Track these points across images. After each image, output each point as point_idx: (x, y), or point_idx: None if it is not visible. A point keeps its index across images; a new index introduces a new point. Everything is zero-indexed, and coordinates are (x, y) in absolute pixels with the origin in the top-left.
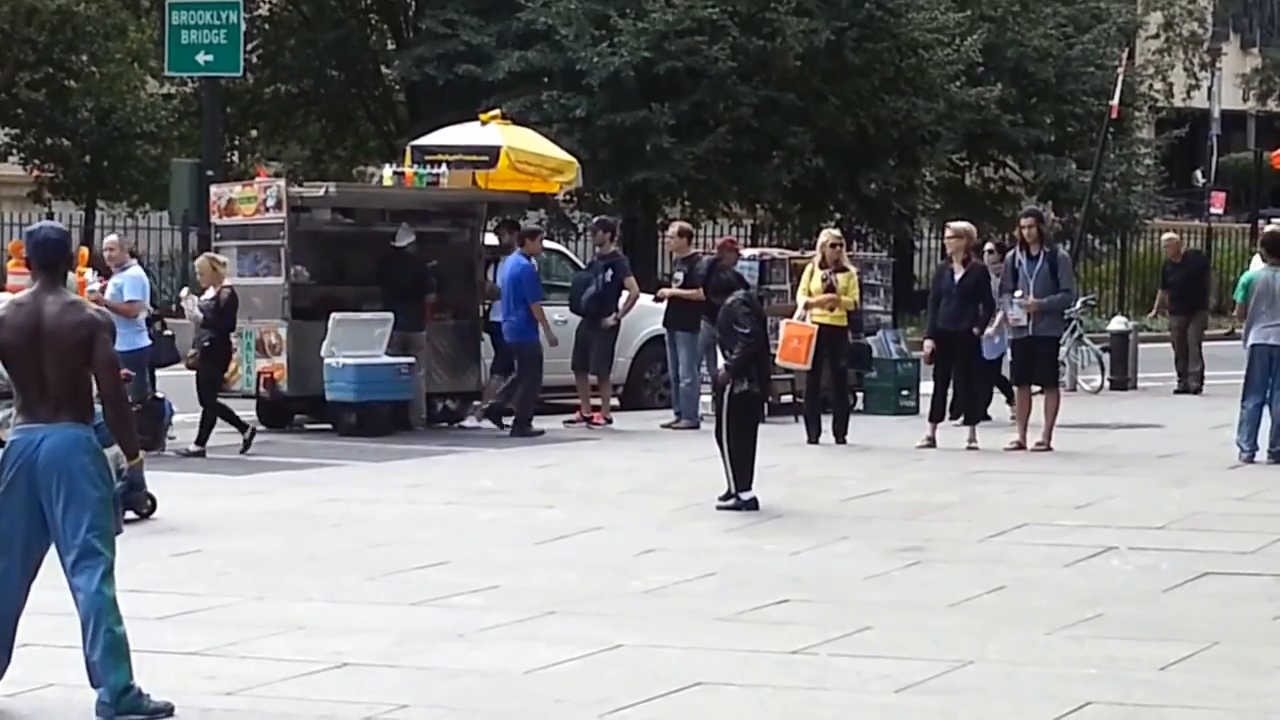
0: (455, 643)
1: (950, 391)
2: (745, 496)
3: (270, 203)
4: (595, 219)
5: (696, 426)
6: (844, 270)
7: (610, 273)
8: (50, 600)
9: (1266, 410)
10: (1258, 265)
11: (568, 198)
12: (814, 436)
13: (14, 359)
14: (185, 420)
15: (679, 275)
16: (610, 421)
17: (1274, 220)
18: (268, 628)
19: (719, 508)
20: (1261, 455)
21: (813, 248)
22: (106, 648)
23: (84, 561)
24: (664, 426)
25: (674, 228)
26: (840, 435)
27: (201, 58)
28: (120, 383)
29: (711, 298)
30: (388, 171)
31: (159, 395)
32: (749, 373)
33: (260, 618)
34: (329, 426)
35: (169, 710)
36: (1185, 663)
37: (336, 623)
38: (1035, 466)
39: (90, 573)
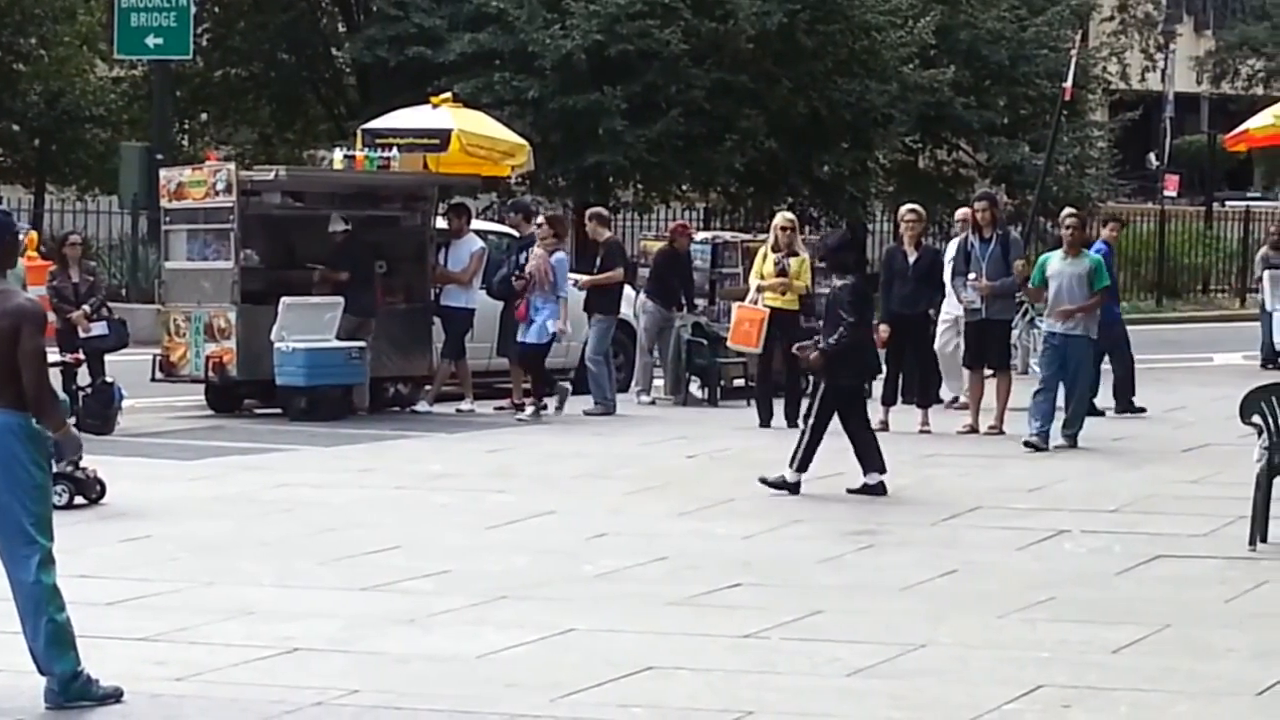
0: (406, 627)
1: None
2: (793, 478)
3: (220, 186)
4: (510, 201)
5: (611, 411)
6: (796, 254)
7: (524, 255)
8: None
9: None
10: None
11: (519, 181)
12: (766, 420)
13: None
14: (137, 405)
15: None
16: (544, 408)
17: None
18: (218, 613)
19: (763, 480)
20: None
21: (765, 231)
22: (49, 637)
23: (21, 550)
24: (586, 413)
25: (590, 212)
26: (792, 419)
27: (151, 41)
28: (42, 376)
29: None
30: (338, 155)
31: (109, 380)
32: (848, 362)
33: (210, 603)
34: (279, 411)
35: (118, 696)
36: (1137, 645)
37: (287, 608)
38: (988, 450)
39: (26, 561)
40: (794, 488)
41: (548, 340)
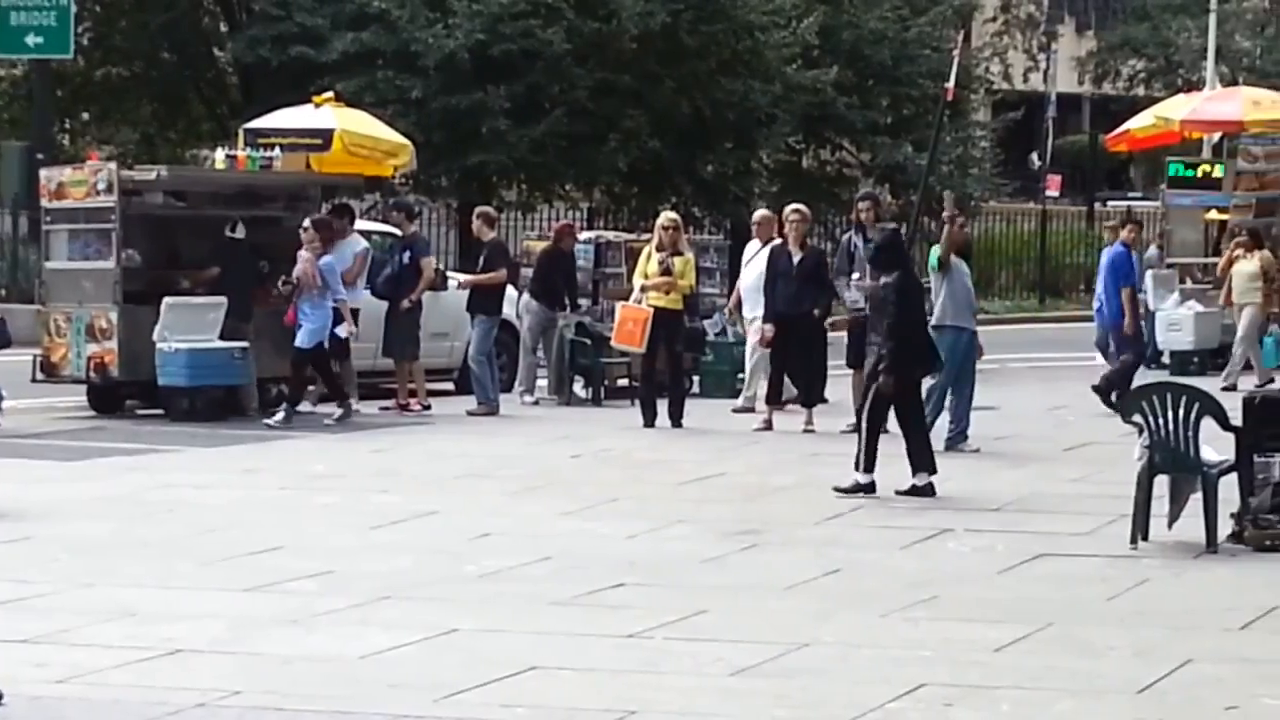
0: (289, 628)
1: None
2: (865, 480)
3: (101, 186)
4: (392, 201)
5: (495, 411)
6: (680, 254)
7: (408, 254)
8: None
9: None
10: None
11: (402, 181)
12: (650, 420)
13: None
14: (17, 406)
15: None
16: (428, 408)
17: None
18: (99, 615)
19: (838, 490)
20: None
21: (649, 230)
22: None
23: None
24: (470, 413)
25: (477, 211)
26: (676, 419)
27: (31, 39)
28: None
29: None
30: (220, 155)
31: None
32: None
33: (92, 605)
34: (161, 412)
35: None
36: (1019, 644)
37: (169, 609)
38: None
39: None
40: (869, 488)
41: (316, 344)
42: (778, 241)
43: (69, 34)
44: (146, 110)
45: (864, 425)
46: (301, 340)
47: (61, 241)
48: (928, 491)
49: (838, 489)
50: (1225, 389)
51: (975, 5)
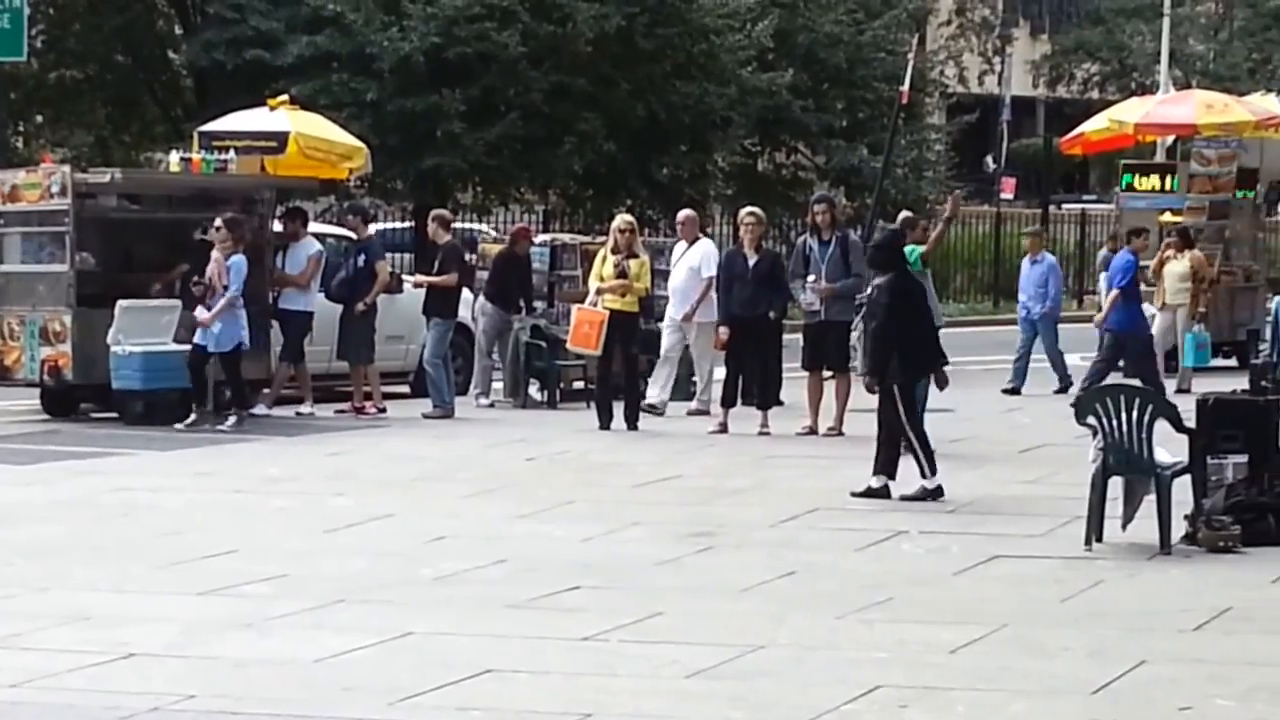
0: (243, 632)
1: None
2: (931, 485)
3: (55, 189)
4: (348, 204)
5: (450, 414)
6: (636, 256)
7: (362, 258)
8: None
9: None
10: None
11: (357, 184)
12: (605, 423)
13: None
14: None
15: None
16: (384, 411)
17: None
18: (53, 619)
19: (904, 498)
20: None
21: (605, 233)
22: None
23: None
24: (425, 416)
25: (433, 214)
26: (631, 421)
27: None
28: None
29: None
30: (175, 157)
31: None
32: (907, 359)
33: (45, 608)
34: (115, 415)
35: None
36: (975, 645)
37: (123, 613)
38: (827, 451)
39: None
40: (935, 493)
41: (236, 345)
42: (733, 245)
43: (22, 37)
44: (101, 113)
45: (910, 432)
46: (223, 344)
47: (15, 244)
48: (883, 494)
49: (904, 496)
50: (1179, 392)
51: (930, 9)
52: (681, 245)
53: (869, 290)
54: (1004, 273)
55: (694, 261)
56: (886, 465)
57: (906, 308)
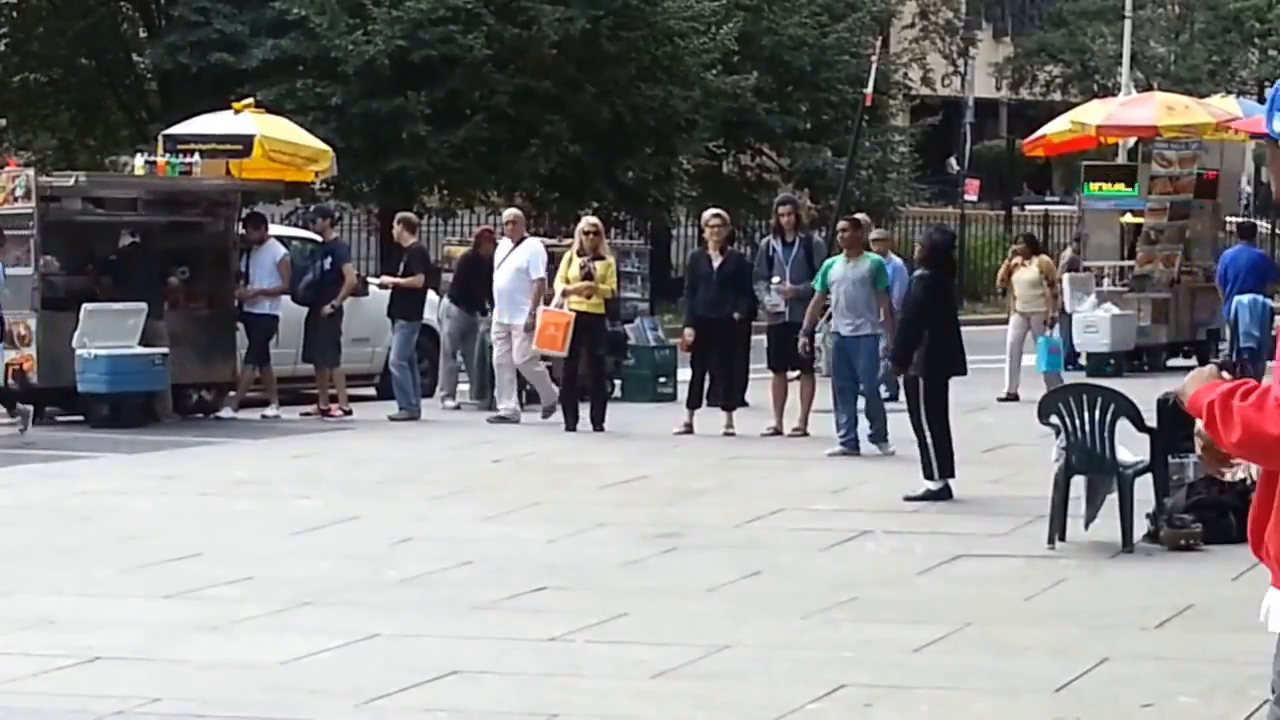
0: (209, 635)
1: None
2: (936, 487)
3: (19, 192)
4: (314, 207)
5: (416, 416)
6: (601, 258)
7: (329, 260)
8: None
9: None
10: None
11: (323, 187)
12: (571, 424)
13: None
14: None
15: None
16: (349, 413)
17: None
18: (16, 623)
19: (907, 498)
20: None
21: (570, 235)
22: None
23: None
24: (391, 418)
25: (398, 217)
26: (597, 422)
27: None
28: None
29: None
30: (139, 161)
31: None
32: (933, 358)
33: (9, 613)
34: (81, 418)
35: None
36: (939, 644)
37: (87, 617)
38: (791, 452)
39: None
40: (940, 494)
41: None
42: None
43: None
44: (65, 116)
45: (925, 429)
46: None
47: None
48: (945, 495)
49: (908, 497)
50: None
51: (893, 11)
52: (506, 244)
53: (909, 281)
54: (967, 273)
55: (520, 262)
56: (938, 466)
57: (943, 307)
